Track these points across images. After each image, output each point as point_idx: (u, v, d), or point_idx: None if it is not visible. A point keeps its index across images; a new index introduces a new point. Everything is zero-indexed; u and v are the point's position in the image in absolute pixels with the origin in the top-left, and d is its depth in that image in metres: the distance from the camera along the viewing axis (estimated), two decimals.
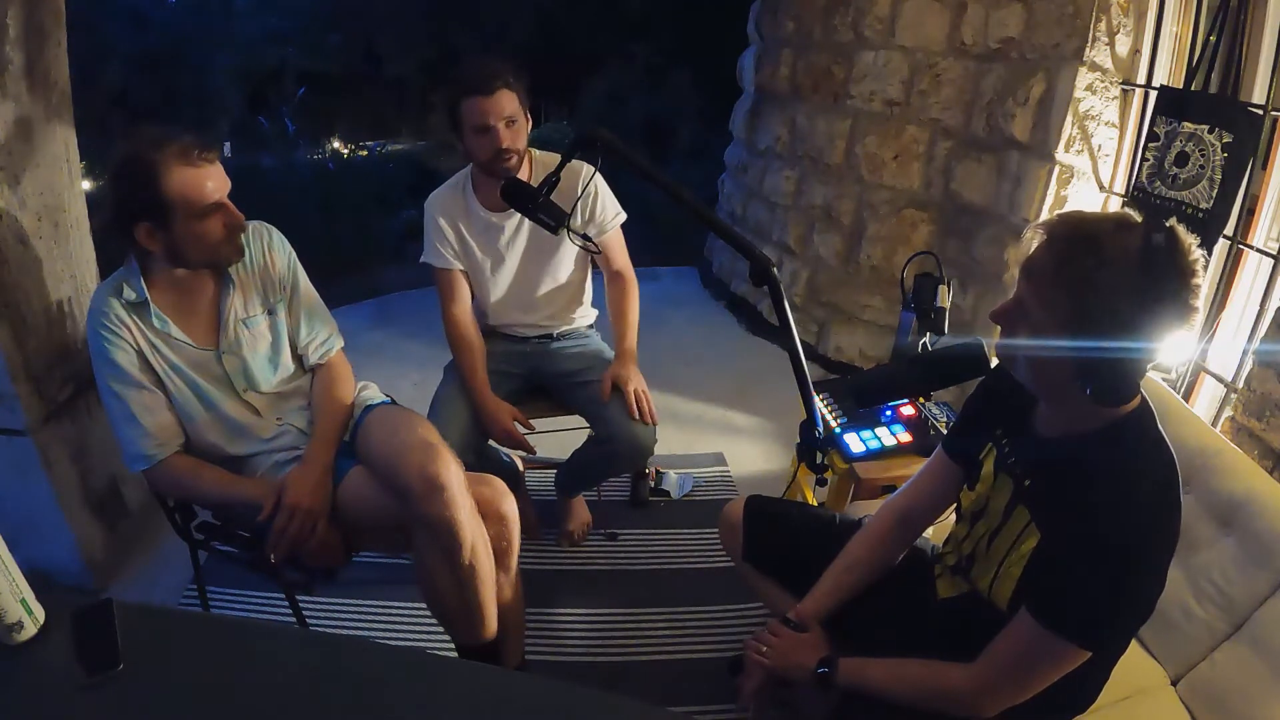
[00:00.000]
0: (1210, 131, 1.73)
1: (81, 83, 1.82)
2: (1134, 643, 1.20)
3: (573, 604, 1.89)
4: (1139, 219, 0.86)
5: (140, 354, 1.33)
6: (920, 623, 1.16)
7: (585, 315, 1.99)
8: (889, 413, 1.66)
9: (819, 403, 1.50)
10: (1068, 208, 2.23)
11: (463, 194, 1.79)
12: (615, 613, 1.87)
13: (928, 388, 1.46)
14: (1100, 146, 2.22)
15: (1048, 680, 0.94)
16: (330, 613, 1.81)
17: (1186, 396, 1.79)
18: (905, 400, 1.66)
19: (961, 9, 2.63)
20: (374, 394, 1.58)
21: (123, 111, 7.36)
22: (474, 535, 1.32)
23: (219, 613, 1.77)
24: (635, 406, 1.71)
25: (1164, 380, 1.69)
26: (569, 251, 1.83)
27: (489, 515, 1.39)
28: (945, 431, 1.57)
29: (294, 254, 1.50)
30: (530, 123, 1.67)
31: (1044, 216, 1.36)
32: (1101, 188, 2.25)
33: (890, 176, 2.97)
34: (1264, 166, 1.66)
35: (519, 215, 1.65)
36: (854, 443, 1.60)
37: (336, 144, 9.01)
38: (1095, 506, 0.89)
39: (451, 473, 1.30)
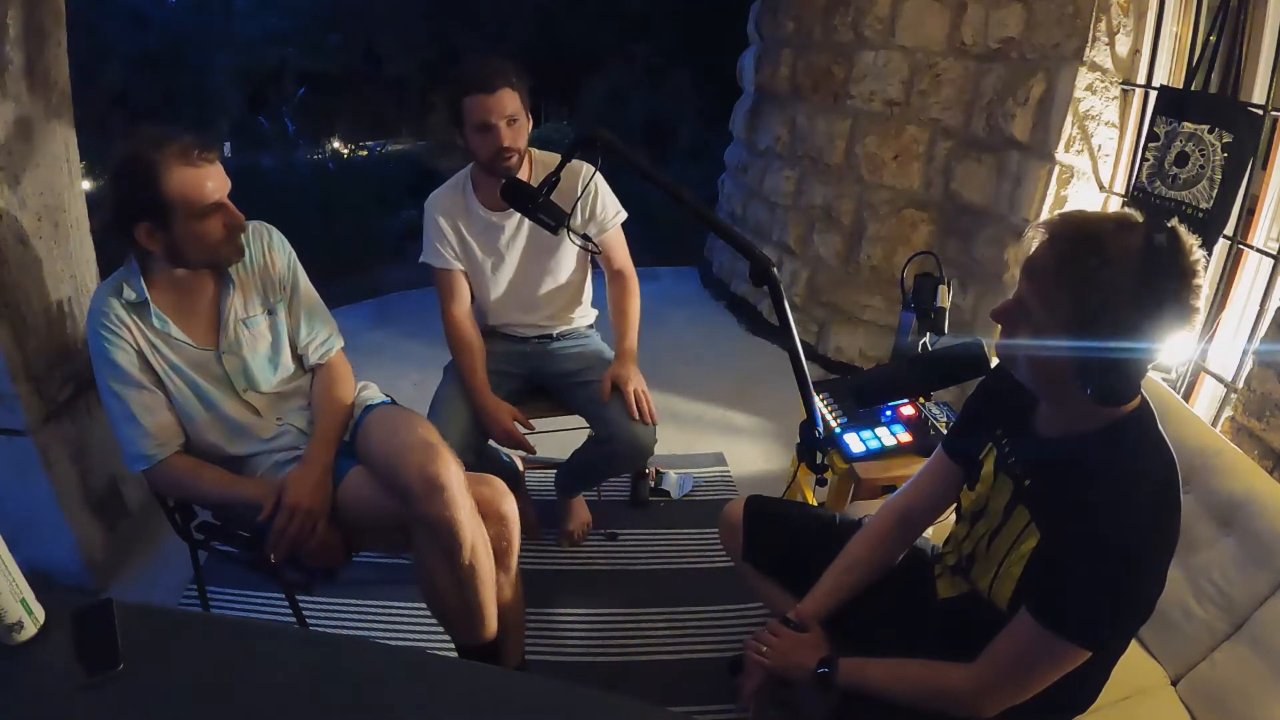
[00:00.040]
0: (1210, 131, 1.73)
1: (81, 83, 1.82)
2: (1134, 643, 1.20)
3: (573, 604, 1.89)
4: (1140, 219, 0.86)
5: (140, 354, 1.33)
6: (920, 623, 1.16)
7: (585, 315, 1.98)
8: (889, 413, 1.66)
9: (819, 403, 1.50)
10: (1068, 208, 2.23)
11: (463, 194, 1.79)
12: (615, 613, 1.87)
13: (928, 388, 1.46)
14: (1100, 146, 2.22)
15: (1048, 680, 0.94)
16: (330, 613, 1.81)
17: (1186, 396, 1.79)
18: (905, 400, 1.66)
19: (961, 9, 2.63)
20: (374, 394, 1.58)
21: (123, 111, 7.36)
22: (474, 535, 1.32)
23: (219, 613, 1.77)
24: (635, 407, 1.71)
25: (1164, 380, 1.69)
26: (569, 251, 1.83)
27: (489, 515, 1.39)
28: (945, 431, 1.57)
29: (294, 254, 1.50)
30: (531, 122, 1.67)
31: (1044, 216, 1.36)
32: (1101, 188, 2.25)
33: (890, 176, 2.97)
34: (1264, 166, 1.66)
35: (519, 215, 1.65)
36: (854, 443, 1.60)
37: (336, 144, 9.01)
38: (1095, 506, 0.89)
39: (451, 473, 1.30)
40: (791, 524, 1.36)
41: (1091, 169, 2.25)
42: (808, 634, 1.17)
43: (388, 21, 9.69)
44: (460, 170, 1.83)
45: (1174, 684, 1.24)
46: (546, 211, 1.38)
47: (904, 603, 1.20)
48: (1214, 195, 1.72)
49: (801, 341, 1.33)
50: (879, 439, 1.62)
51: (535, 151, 1.75)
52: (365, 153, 9.02)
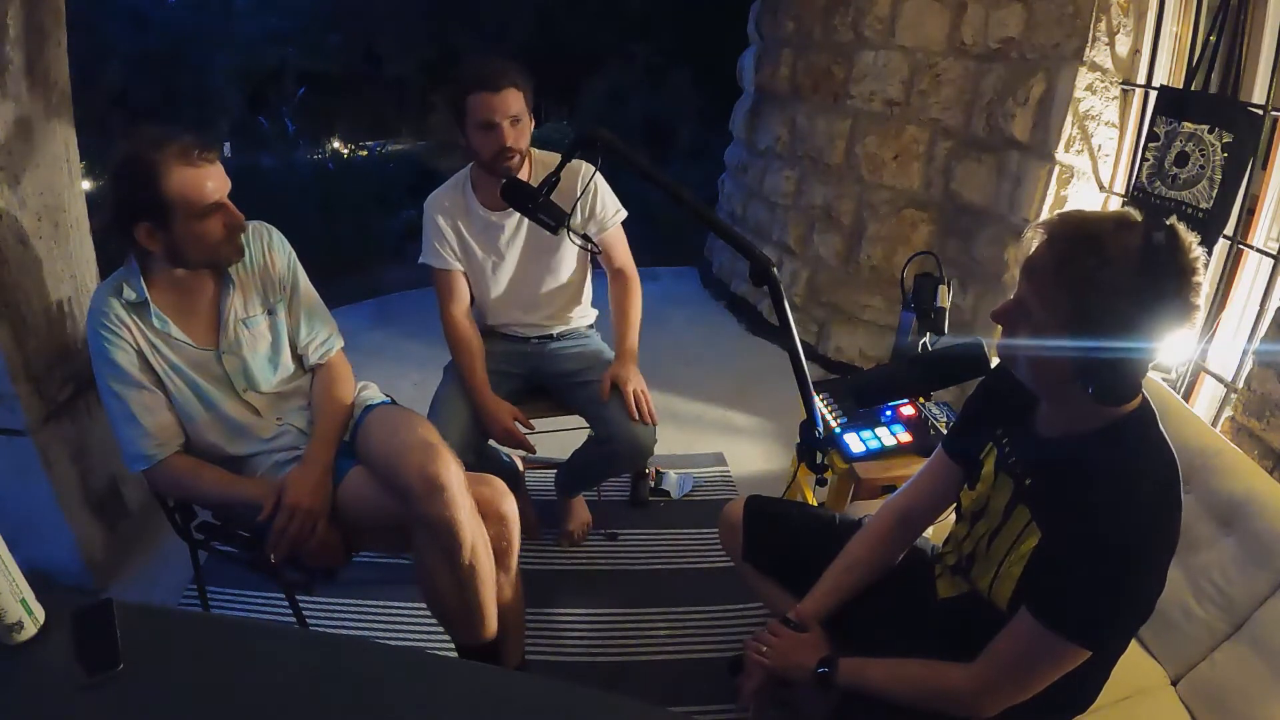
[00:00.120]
0: (1210, 131, 1.73)
1: (81, 83, 1.82)
2: (1134, 643, 1.20)
3: (573, 604, 1.89)
4: (1139, 218, 0.86)
5: (140, 354, 1.33)
6: (920, 623, 1.16)
7: (585, 315, 1.98)
8: (889, 413, 1.66)
9: (819, 403, 1.50)
10: (1068, 208, 2.23)
11: (462, 193, 1.79)
12: (615, 613, 1.87)
13: (928, 388, 1.46)
14: (1100, 146, 2.22)
15: (1048, 680, 0.94)
16: (330, 613, 1.81)
17: (1186, 396, 1.79)
18: (905, 400, 1.66)
19: (961, 9, 2.63)
20: (374, 394, 1.58)
21: (123, 111, 7.36)
22: (474, 535, 1.32)
23: (219, 613, 1.77)
24: (634, 407, 1.71)
25: (1164, 380, 1.69)
26: (569, 251, 1.83)
27: (489, 515, 1.39)
28: (945, 431, 1.57)
29: (294, 254, 1.50)
30: (533, 123, 1.68)
31: (1044, 216, 1.36)
32: (1101, 188, 2.25)
33: (890, 176, 2.97)
34: (1264, 166, 1.66)
35: (519, 214, 1.65)
36: (854, 443, 1.60)
37: (336, 144, 9.01)
38: (1096, 506, 0.89)
39: (451, 473, 1.30)
40: (791, 524, 1.36)
41: (1091, 169, 2.25)
42: (808, 634, 1.17)
43: (388, 21, 9.68)
44: (460, 170, 1.83)
45: (1174, 684, 1.24)
46: (546, 211, 1.39)
47: (904, 603, 1.20)
48: (1214, 195, 1.72)
49: (801, 341, 1.33)
50: (879, 439, 1.62)
51: (535, 151, 1.75)
52: (365, 153, 9.02)
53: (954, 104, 2.73)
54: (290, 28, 9.49)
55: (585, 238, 1.55)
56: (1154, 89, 1.99)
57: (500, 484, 1.46)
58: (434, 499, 1.27)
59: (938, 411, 1.65)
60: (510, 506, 1.45)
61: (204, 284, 1.39)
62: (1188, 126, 1.79)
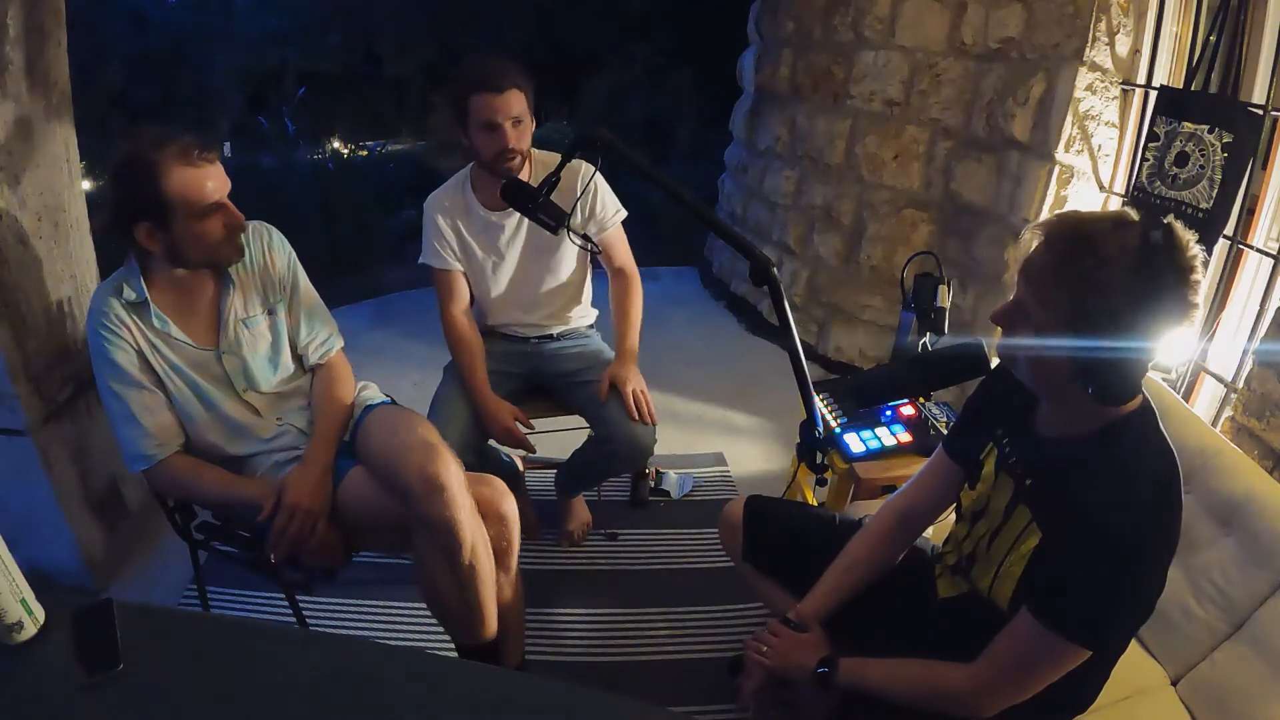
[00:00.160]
0: (1210, 131, 1.73)
1: (81, 83, 1.82)
2: (1134, 643, 1.20)
3: (573, 604, 1.89)
4: (1136, 218, 0.86)
5: (140, 354, 1.33)
6: (920, 623, 1.16)
7: (585, 315, 1.98)
8: (889, 413, 1.66)
9: (819, 403, 1.50)
10: (1068, 208, 2.23)
11: (462, 193, 1.79)
12: (615, 613, 1.87)
13: (928, 388, 1.46)
14: (1100, 146, 2.22)
15: (1048, 680, 0.94)
16: (330, 613, 1.81)
17: (1186, 396, 1.79)
18: (905, 400, 1.66)
19: (961, 9, 2.63)
20: (374, 394, 1.58)
21: (123, 111, 7.36)
22: (474, 535, 1.31)
23: (219, 613, 1.77)
24: (634, 407, 1.71)
25: (1164, 380, 1.69)
26: (569, 251, 1.83)
27: (489, 515, 1.39)
28: (945, 431, 1.57)
29: (294, 254, 1.50)
30: (534, 123, 1.68)
31: (1044, 216, 1.36)
32: (1101, 188, 2.25)
33: (890, 176, 2.97)
34: (1264, 166, 1.66)
35: (519, 214, 1.65)
36: (854, 443, 1.60)
37: (336, 144, 9.01)
38: (1096, 506, 0.89)
39: (451, 473, 1.30)
40: (791, 524, 1.36)
41: (1091, 169, 2.25)
42: (808, 634, 1.17)
43: (388, 22, 9.68)
44: (460, 170, 1.83)
45: (1174, 684, 1.24)
46: (546, 211, 1.39)
47: (904, 603, 1.20)
48: (1214, 195, 1.72)
49: (801, 341, 1.33)
50: (879, 439, 1.62)
51: (536, 152, 1.75)
52: (365, 153, 9.02)
53: (954, 104, 2.73)
54: (290, 28, 9.49)
55: (585, 237, 1.55)
56: (1154, 89, 1.99)
57: (500, 484, 1.46)
58: (434, 499, 1.27)
59: (938, 411, 1.65)
60: (510, 506, 1.45)
61: (204, 284, 1.39)
62: (1188, 126, 1.79)
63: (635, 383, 1.74)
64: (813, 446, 1.42)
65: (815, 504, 1.66)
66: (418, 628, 1.77)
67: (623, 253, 1.88)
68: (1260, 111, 1.64)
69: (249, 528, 1.41)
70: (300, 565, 1.42)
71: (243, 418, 1.43)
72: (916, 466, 1.28)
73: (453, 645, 1.44)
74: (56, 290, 1.73)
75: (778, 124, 3.50)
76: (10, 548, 0.86)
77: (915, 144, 2.88)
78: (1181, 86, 1.90)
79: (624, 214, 1.85)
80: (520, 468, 2.21)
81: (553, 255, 1.83)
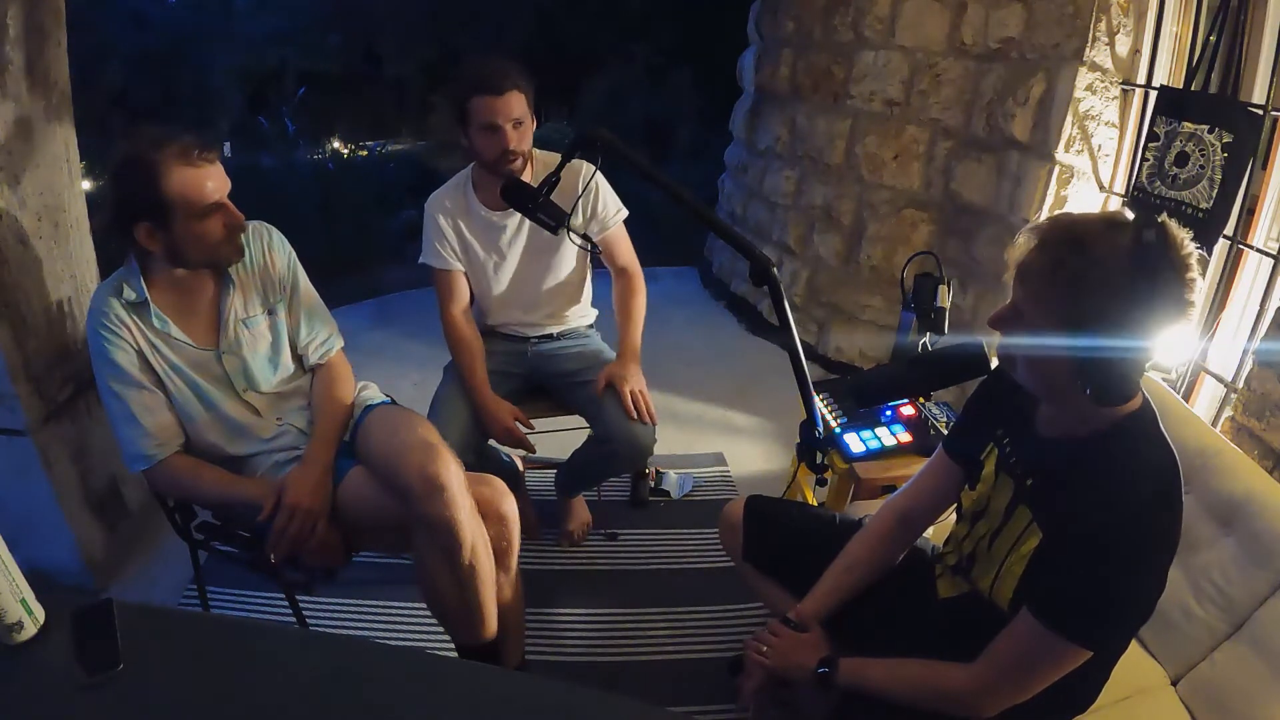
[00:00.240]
0: (1210, 131, 1.73)
1: (81, 83, 1.82)
2: (1134, 643, 1.20)
3: (573, 604, 1.89)
4: (1130, 217, 0.86)
5: (140, 354, 1.33)
6: (921, 623, 1.16)
7: (585, 315, 1.98)
8: (889, 413, 1.66)
9: (819, 403, 1.50)
10: (1068, 208, 2.23)
11: (463, 193, 1.79)
12: (615, 613, 1.87)
13: (928, 388, 1.46)
14: (1100, 146, 2.22)
15: (1048, 680, 0.94)
16: (330, 613, 1.81)
17: (1186, 396, 1.79)
18: (905, 400, 1.66)
19: (961, 9, 2.63)
20: (374, 394, 1.58)
21: (123, 111, 7.37)
22: (474, 535, 1.31)
23: (219, 613, 1.76)
24: (631, 406, 1.71)
25: (1164, 380, 1.69)
26: (569, 250, 1.84)
27: (489, 515, 1.39)
28: (945, 431, 1.57)
29: (294, 254, 1.50)
30: (535, 124, 1.68)
31: (1044, 216, 1.36)
32: (1101, 188, 2.25)
33: (890, 176, 2.97)
34: (1264, 166, 1.66)
35: (520, 214, 1.66)
36: (854, 443, 1.60)
37: (336, 144, 9.02)
38: (1096, 507, 0.89)
39: (451, 473, 1.30)
40: (791, 524, 1.36)
41: (1091, 169, 2.25)
42: (808, 634, 1.17)
43: (388, 22, 9.69)
44: (461, 170, 1.83)
45: (1174, 684, 1.24)
46: (546, 211, 1.39)
47: (905, 603, 1.20)
48: (1214, 195, 1.72)
49: (801, 341, 1.33)
50: (879, 439, 1.61)
51: (537, 152, 1.75)
52: (365, 153, 9.03)
53: (954, 104, 2.73)
54: (290, 28, 9.50)
55: (585, 237, 1.55)
56: (1154, 89, 1.99)
57: (500, 484, 1.46)
58: (434, 499, 1.27)
59: (938, 411, 1.65)
60: (510, 506, 1.45)
61: (204, 284, 1.38)
62: (1188, 126, 1.79)
63: (634, 382, 1.74)
64: (813, 446, 1.42)
65: (815, 504, 1.66)
66: (418, 628, 1.77)
67: (625, 252, 1.88)
68: (1260, 111, 1.63)
69: (249, 528, 1.41)
70: (300, 565, 1.42)
71: (243, 418, 1.43)
72: (916, 466, 1.28)
73: (453, 645, 1.44)
74: (56, 290, 1.73)
75: (778, 124, 3.50)
76: (10, 548, 0.86)
77: (915, 144, 2.88)
78: (1181, 86, 1.90)
79: (625, 213, 1.85)
80: (520, 468, 2.21)
81: (553, 255, 1.83)
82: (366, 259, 5.75)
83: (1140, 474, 0.91)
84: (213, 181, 1.28)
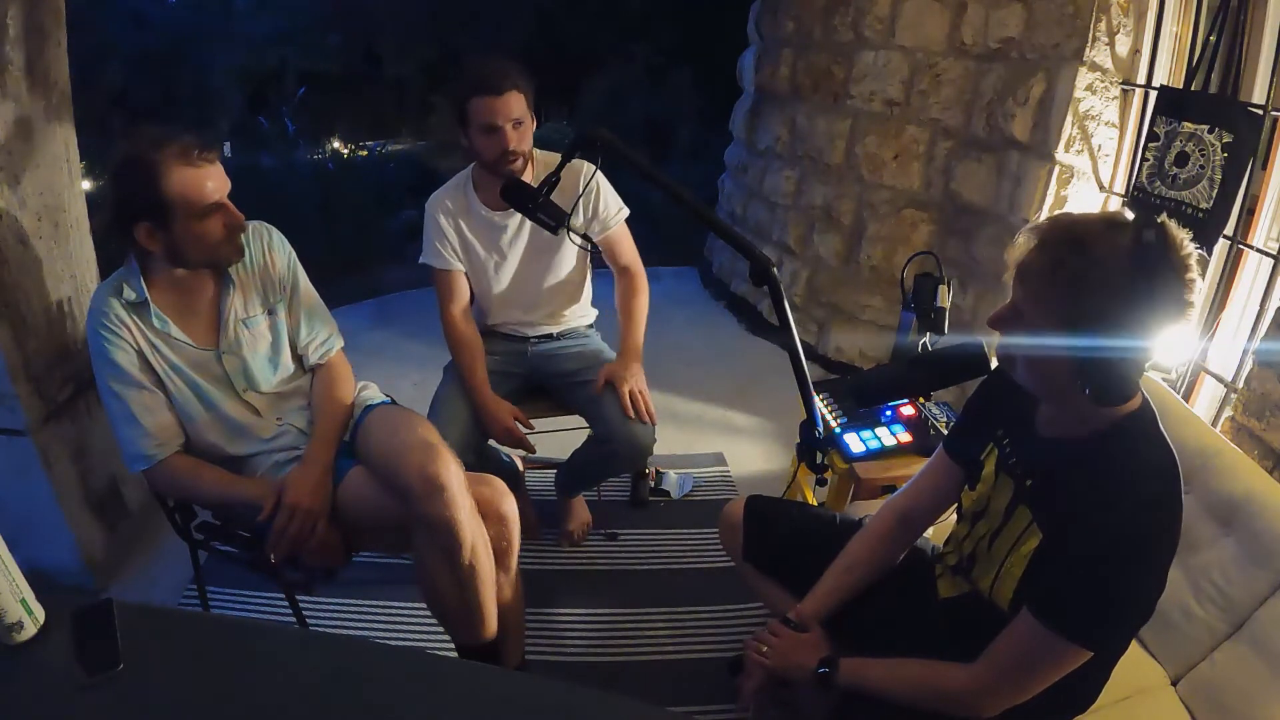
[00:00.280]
0: (1210, 131, 1.73)
1: (81, 83, 1.82)
2: (1134, 643, 1.20)
3: (573, 604, 1.89)
4: (1129, 217, 0.87)
5: (140, 354, 1.33)
6: (921, 623, 1.16)
7: (585, 315, 1.99)
8: (889, 413, 1.66)
9: (819, 403, 1.50)
10: (1068, 208, 2.23)
11: (464, 193, 1.80)
12: (615, 613, 1.87)
13: (928, 388, 1.46)
14: (1100, 146, 2.22)
15: (1048, 680, 0.94)
16: (330, 613, 1.81)
17: (1186, 396, 1.79)
18: (905, 400, 1.66)
19: (961, 9, 2.63)
20: (374, 394, 1.58)
21: (123, 111, 7.37)
22: (474, 535, 1.31)
23: (219, 613, 1.77)
24: (629, 406, 1.71)
25: (1164, 380, 1.69)
26: (570, 250, 1.84)
27: (489, 515, 1.39)
28: (945, 431, 1.57)
29: (294, 254, 1.50)
30: (535, 124, 1.68)
31: (1044, 216, 1.36)
32: (1101, 188, 2.25)
33: (890, 176, 2.97)
34: (1264, 166, 1.66)
35: (520, 214, 1.66)
36: (854, 443, 1.60)
37: (336, 144, 9.02)
38: (1096, 507, 0.89)
39: (451, 473, 1.30)
40: (791, 524, 1.36)
41: (1091, 169, 2.25)
42: (808, 634, 1.17)
43: (388, 22, 9.70)
44: (461, 170, 1.83)
45: (1174, 684, 1.24)
46: (546, 211, 1.39)
47: (905, 603, 1.20)
48: (1214, 195, 1.72)
49: (801, 341, 1.33)
50: (879, 439, 1.61)
51: (538, 152, 1.75)
52: (365, 153, 9.03)
53: (954, 104, 2.73)
54: (290, 28, 9.51)
55: (585, 237, 1.55)
56: (1154, 89, 1.99)
57: (500, 484, 1.46)
58: (434, 499, 1.27)
59: (938, 411, 1.65)
60: (510, 506, 1.45)
61: (204, 284, 1.38)
62: (1188, 126, 1.79)
63: (634, 381, 1.74)
64: (813, 446, 1.42)
65: (815, 504, 1.66)
66: (418, 628, 1.77)
67: (627, 251, 1.88)
68: (1260, 111, 1.63)
69: (249, 528, 1.41)
70: (300, 565, 1.42)
71: (243, 418, 1.43)
72: (916, 466, 1.28)
73: (453, 645, 1.44)
74: (56, 290, 1.73)
75: (778, 124, 3.50)
76: (10, 548, 0.86)
77: (915, 144, 2.88)
78: (1181, 86, 1.90)
79: (626, 212, 1.85)
80: (520, 468, 2.21)
81: (554, 255, 1.83)
82: (366, 259, 5.75)
83: (1140, 474, 0.91)
84: (213, 181, 1.28)
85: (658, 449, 1.78)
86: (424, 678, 0.91)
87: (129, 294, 1.32)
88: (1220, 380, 1.72)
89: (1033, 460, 1.02)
